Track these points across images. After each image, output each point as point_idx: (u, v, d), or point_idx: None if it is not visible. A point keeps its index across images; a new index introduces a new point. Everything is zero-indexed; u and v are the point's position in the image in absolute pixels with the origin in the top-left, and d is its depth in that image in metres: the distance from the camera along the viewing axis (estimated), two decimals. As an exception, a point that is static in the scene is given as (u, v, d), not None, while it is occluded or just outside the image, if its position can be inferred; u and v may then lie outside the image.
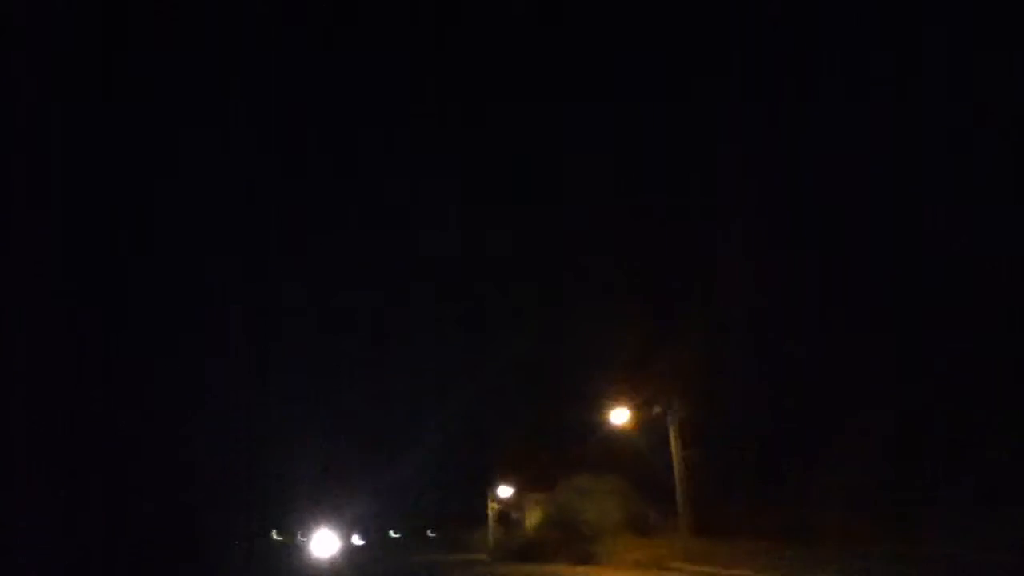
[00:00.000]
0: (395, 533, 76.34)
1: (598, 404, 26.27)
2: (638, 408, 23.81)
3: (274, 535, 61.38)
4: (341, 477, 53.95)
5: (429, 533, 71.69)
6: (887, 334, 22.35)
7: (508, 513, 45.78)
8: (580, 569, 21.66)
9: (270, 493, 54.61)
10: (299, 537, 56.35)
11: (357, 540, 69.36)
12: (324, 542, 51.61)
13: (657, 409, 22.72)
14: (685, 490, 22.36)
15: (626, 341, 27.20)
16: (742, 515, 25.17)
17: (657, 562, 21.08)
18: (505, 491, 44.05)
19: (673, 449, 22.36)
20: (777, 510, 23.35)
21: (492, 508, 45.43)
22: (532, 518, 40.16)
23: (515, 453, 44.84)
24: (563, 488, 29.48)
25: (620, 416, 23.92)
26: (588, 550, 25.10)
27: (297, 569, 28.43)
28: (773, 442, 25.16)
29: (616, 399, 24.09)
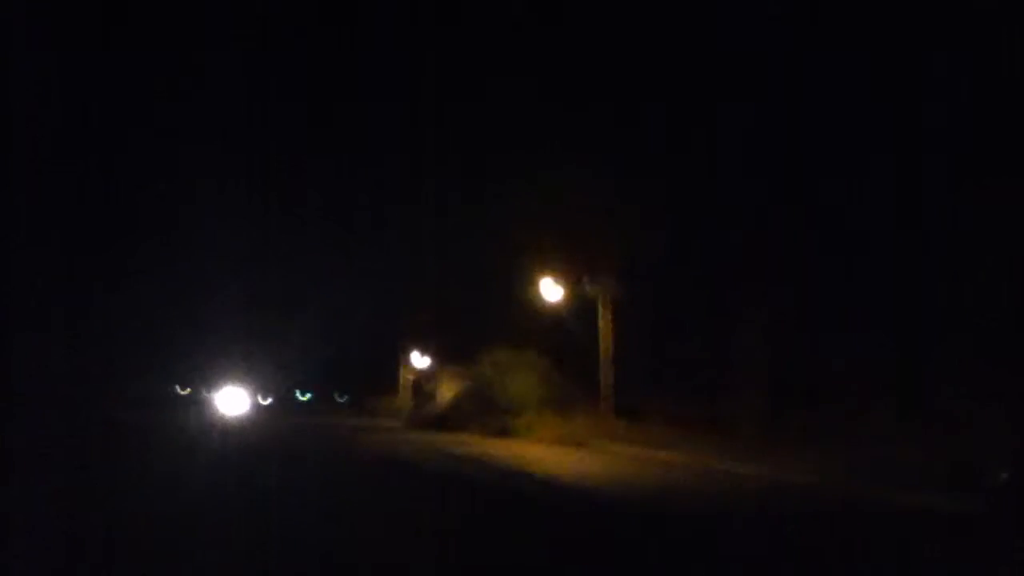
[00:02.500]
0: (303, 396, 75.98)
1: (525, 278, 25.57)
2: (567, 283, 23.17)
3: (178, 389, 60.21)
4: (249, 338, 52.65)
5: (338, 398, 71.46)
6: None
7: (421, 383, 45.63)
8: (498, 442, 21.34)
9: (177, 349, 53.10)
10: (204, 393, 55.32)
11: (265, 400, 68.74)
12: (232, 399, 50.69)
13: (587, 285, 22.07)
14: (609, 369, 22.09)
15: (557, 214, 26.19)
16: (661, 401, 25.30)
17: (577, 439, 20.86)
18: (420, 361, 43.74)
19: (600, 327, 21.92)
20: (694, 401, 23.51)
21: (405, 377, 45.22)
22: (447, 389, 39.92)
23: (432, 323, 44.31)
24: (482, 361, 28.95)
25: (549, 290, 23.25)
26: (506, 423, 24.82)
27: (208, 424, 27.45)
28: (695, 332, 25.12)
29: (546, 273, 23.35)
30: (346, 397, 67.67)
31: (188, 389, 60.03)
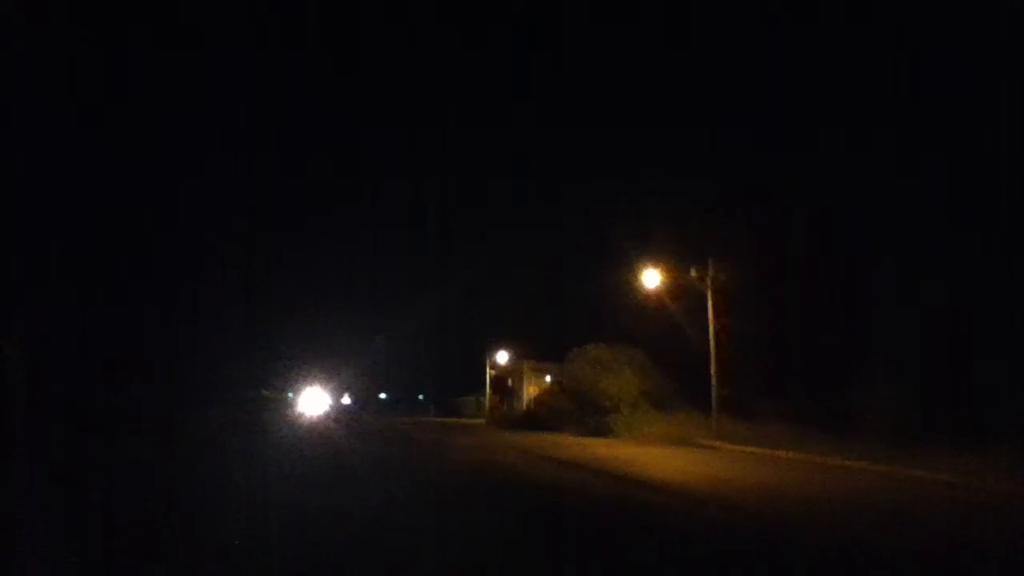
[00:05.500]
0: (385, 396, 75.76)
1: (618, 270, 23.85)
2: (669, 270, 21.35)
3: (263, 391, 60.27)
4: (332, 339, 52.36)
5: (420, 397, 70.92)
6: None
7: (506, 381, 44.30)
8: (596, 441, 19.63)
9: (260, 350, 53.08)
10: (288, 394, 55.20)
11: (347, 401, 68.69)
12: (313, 400, 50.46)
13: (694, 273, 20.19)
14: (718, 363, 20.19)
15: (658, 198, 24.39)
16: (767, 396, 23.30)
17: (682, 439, 19.07)
18: (504, 358, 42.37)
19: (710, 317, 20.03)
20: (804, 395, 21.43)
21: (490, 375, 43.91)
22: (534, 387, 38.59)
23: (517, 319, 42.96)
24: (574, 356, 27.32)
25: (651, 279, 21.43)
26: (602, 422, 23.15)
27: (285, 425, 26.56)
28: (806, 323, 23.05)
29: (646, 261, 21.56)
30: (427, 396, 67.03)
31: (273, 392, 60.29)
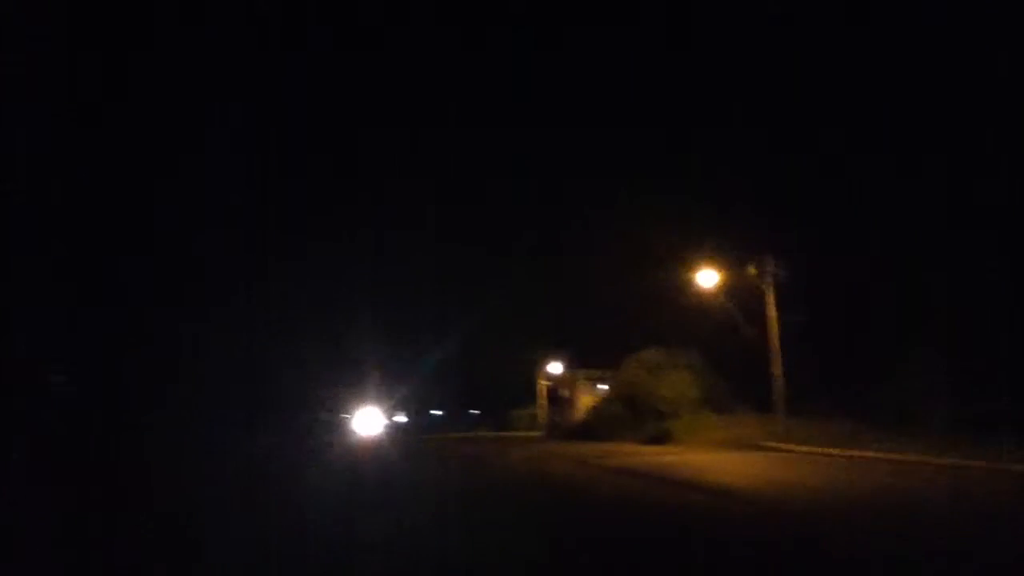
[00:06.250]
0: (438, 412, 75.57)
1: (672, 272, 23.24)
2: (726, 268, 20.72)
3: (321, 413, 60.46)
4: (383, 355, 52.28)
5: (472, 412, 70.55)
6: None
7: (559, 392, 43.75)
8: (658, 449, 19.06)
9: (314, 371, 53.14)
10: (342, 415, 55.27)
11: (401, 418, 68.65)
12: (369, 420, 50.47)
13: (751, 269, 19.53)
14: (779, 362, 19.48)
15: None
16: (831, 393, 22.47)
17: (748, 441, 18.40)
18: (556, 368, 41.83)
19: (769, 314, 19.33)
20: (869, 390, 20.57)
21: (541, 386, 43.39)
22: (585, 396, 38.03)
23: (567, 328, 42.43)
24: (628, 362, 26.77)
25: (707, 278, 20.83)
26: (661, 429, 22.55)
27: (344, 448, 26.43)
28: (868, 314, 22.18)
29: (702, 260, 20.94)
30: (479, 411, 66.63)
31: (331, 414, 60.25)
